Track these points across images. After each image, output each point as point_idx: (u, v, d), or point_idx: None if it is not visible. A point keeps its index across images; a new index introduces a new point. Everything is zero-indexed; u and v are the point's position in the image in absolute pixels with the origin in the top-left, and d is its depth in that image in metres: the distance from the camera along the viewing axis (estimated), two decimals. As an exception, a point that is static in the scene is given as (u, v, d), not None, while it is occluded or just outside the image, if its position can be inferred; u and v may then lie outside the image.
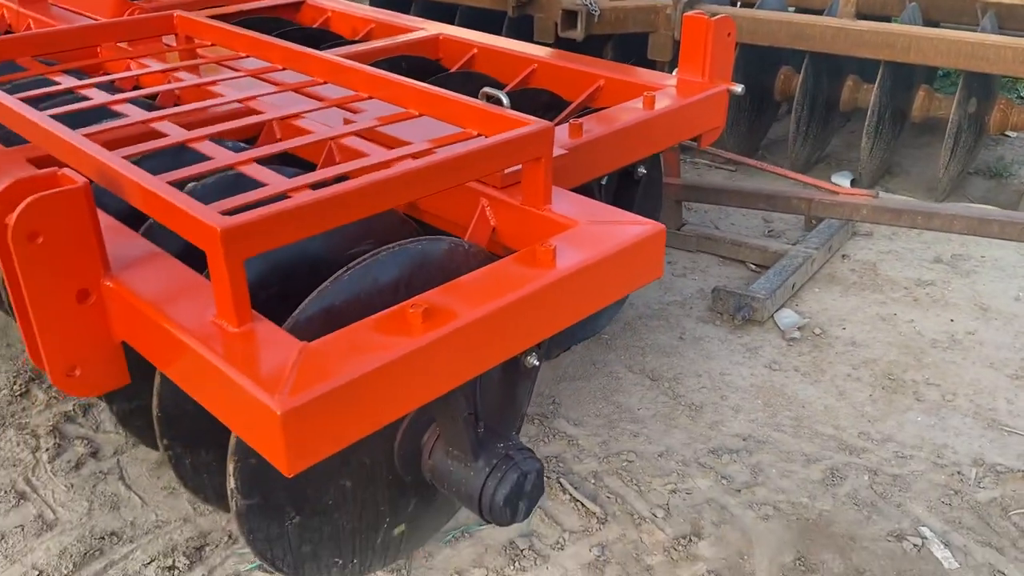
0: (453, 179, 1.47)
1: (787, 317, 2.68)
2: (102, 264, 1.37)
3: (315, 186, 1.44)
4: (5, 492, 2.03)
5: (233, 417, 1.22)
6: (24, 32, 2.28)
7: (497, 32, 4.13)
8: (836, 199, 2.82)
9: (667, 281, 2.92)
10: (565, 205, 1.64)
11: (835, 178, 3.77)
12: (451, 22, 4.25)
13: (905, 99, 3.53)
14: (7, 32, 3.40)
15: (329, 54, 2.18)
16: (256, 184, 1.50)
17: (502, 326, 1.33)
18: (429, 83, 2.54)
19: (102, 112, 1.90)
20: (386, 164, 1.60)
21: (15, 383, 2.41)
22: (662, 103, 2.24)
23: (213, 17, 3.23)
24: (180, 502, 2.01)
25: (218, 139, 1.77)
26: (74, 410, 2.31)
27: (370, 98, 1.93)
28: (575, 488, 2.01)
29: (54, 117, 1.66)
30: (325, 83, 2.04)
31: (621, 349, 2.55)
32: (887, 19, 3.65)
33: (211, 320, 1.26)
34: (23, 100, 1.76)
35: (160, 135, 1.75)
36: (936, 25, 3.59)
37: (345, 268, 1.45)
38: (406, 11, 4.45)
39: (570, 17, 3.51)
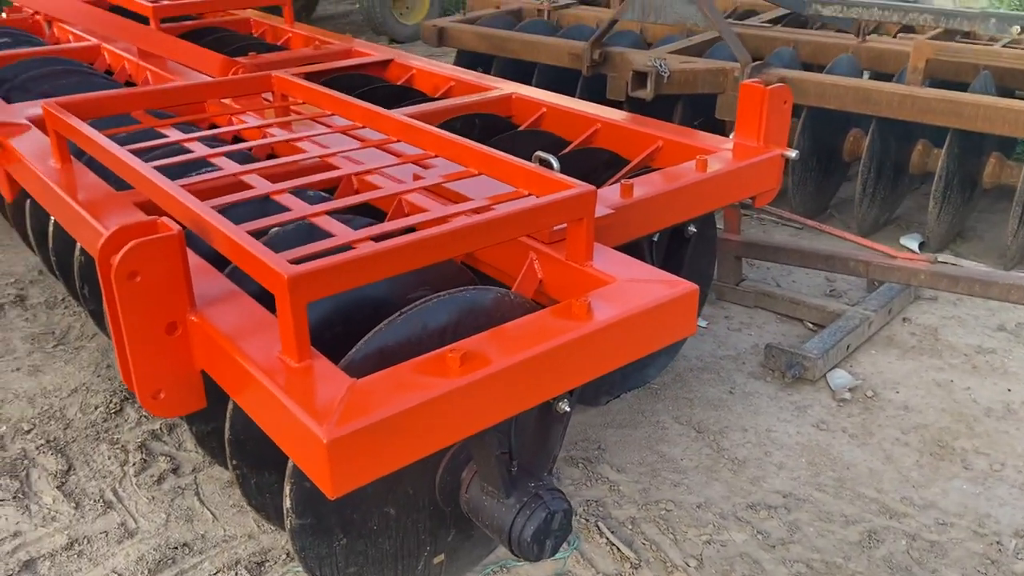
0: (501, 236, 1.61)
1: (839, 378, 2.70)
2: (189, 301, 1.56)
3: (379, 237, 1.61)
4: (94, 501, 2.25)
5: (289, 443, 1.38)
6: (142, 88, 2.56)
7: (572, 89, 4.33)
8: (894, 263, 2.84)
9: (722, 335, 2.99)
10: (606, 262, 1.76)
11: (904, 240, 3.76)
12: (530, 79, 4.47)
13: (976, 165, 3.52)
14: (128, 82, 3.79)
15: (403, 114, 2.37)
16: (327, 234, 1.69)
17: (535, 373, 1.45)
18: (501, 139, 2.75)
19: (202, 163, 2.15)
20: (444, 219, 1.76)
21: (111, 401, 2.66)
22: (715, 166, 2.34)
23: (312, 74, 3.53)
24: (246, 519, 2.18)
25: (301, 190, 1.97)
26: (160, 429, 2.53)
27: (437, 156, 2.11)
28: (612, 532, 2.09)
29: (159, 168, 1.90)
30: (399, 141, 2.23)
31: (670, 400, 2.62)
32: (962, 85, 3.65)
33: (276, 356, 1.43)
34: (133, 151, 2.01)
35: (248, 187, 1.97)
36: (1010, 94, 3.57)
37: (398, 313, 1.60)
38: (488, 68, 4.70)
39: (640, 78, 3.65)
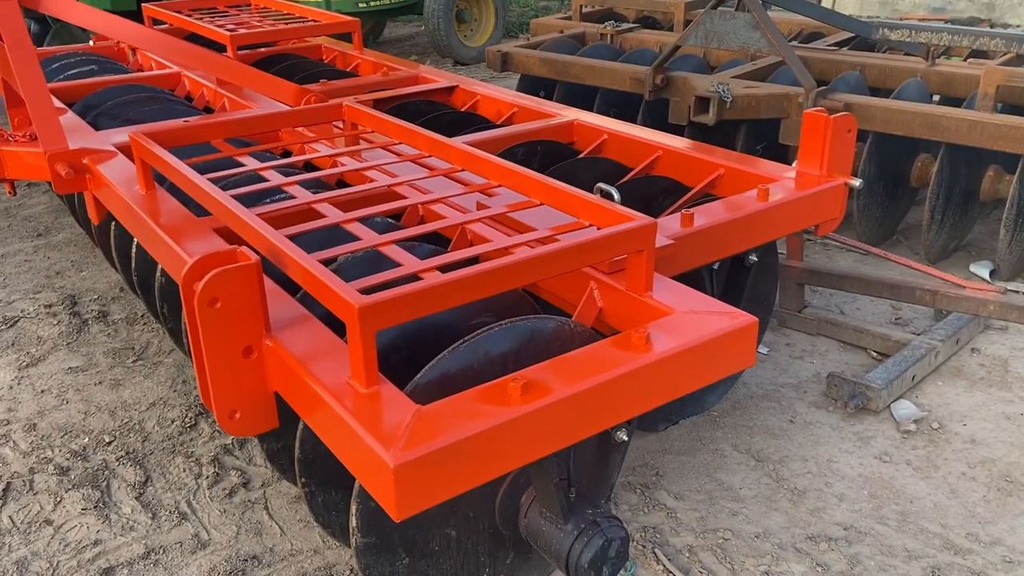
0: (564, 267, 1.66)
1: (904, 409, 2.66)
2: (265, 326, 1.64)
3: (444, 267, 1.68)
4: (170, 512, 2.36)
5: (356, 465, 1.44)
6: (220, 118, 2.70)
7: (635, 113, 4.36)
8: (961, 293, 2.79)
9: (784, 363, 2.97)
10: (665, 293, 1.79)
11: (974, 268, 3.67)
12: (591, 104, 4.51)
13: (1050, 191, 3.42)
14: (206, 108, 3.96)
15: (467, 141, 2.44)
16: (394, 263, 1.77)
17: (593, 403, 1.49)
18: (563, 166, 2.80)
19: (275, 191, 2.25)
20: (507, 249, 1.82)
21: (187, 416, 2.78)
22: (776, 195, 2.35)
23: (380, 100, 3.65)
24: (312, 534, 2.26)
25: (370, 218, 2.05)
26: (232, 444, 2.64)
27: (500, 186, 2.17)
28: (669, 560, 2.10)
29: (237, 196, 2.00)
30: (464, 170, 2.30)
31: (729, 427, 2.62)
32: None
33: (346, 381, 1.50)
34: (212, 180, 2.12)
35: (319, 215, 2.07)
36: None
37: (461, 341, 1.66)
38: (551, 92, 4.77)
39: (703, 103, 3.66)
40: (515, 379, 1.44)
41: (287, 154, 2.97)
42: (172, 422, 2.75)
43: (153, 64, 4.58)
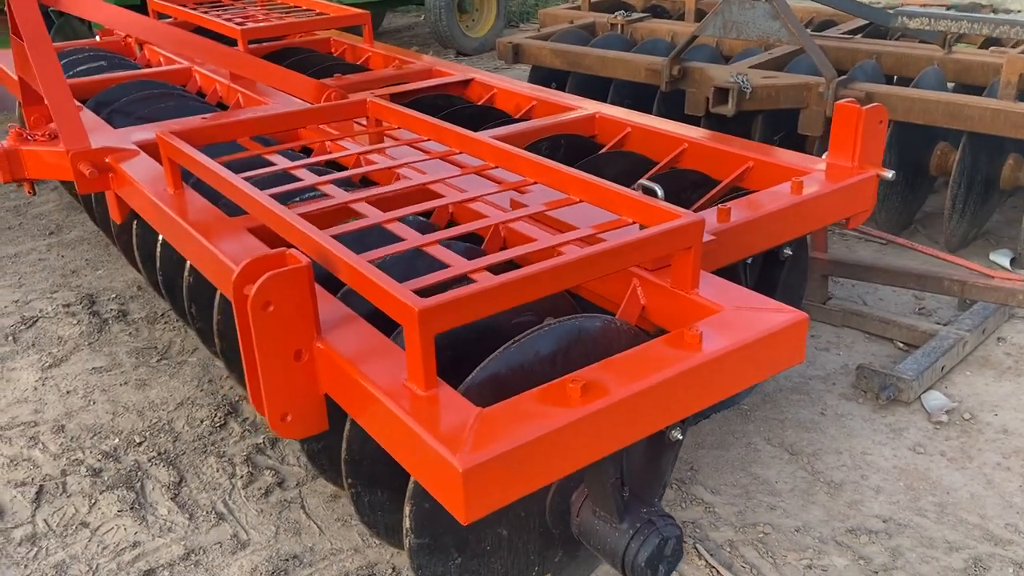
0: (615, 265, 1.65)
1: (935, 400, 2.67)
2: (316, 328, 1.64)
3: (492, 267, 1.67)
4: (207, 512, 2.35)
5: (418, 468, 1.43)
6: (244, 116, 2.67)
7: (649, 103, 4.34)
8: (990, 283, 2.79)
9: (810, 355, 2.97)
10: (712, 290, 1.78)
11: (994, 256, 3.68)
12: (605, 94, 4.49)
13: (1072, 179, 3.43)
14: (219, 104, 3.94)
15: (491, 136, 2.42)
16: (436, 262, 1.76)
17: (650, 403, 1.49)
18: (588, 160, 2.79)
19: (309, 190, 2.23)
20: (553, 249, 1.81)
21: (215, 415, 2.77)
22: (810, 188, 2.34)
23: (396, 95, 3.63)
24: (351, 533, 2.26)
25: (408, 217, 2.04)
26: (264, 443, 2.63)
27: (535, 183, 2.15)
28: (711, 555, 2.11)
29: (274, 196, 1.99)
30: (496, 167, 2.29)
31: (760, 421, 2.62)
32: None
33: (403, 383, 1.49)
34: (248, 179, 2.11)
35: (355, 213, 2.06)
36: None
37: (512, 341, 1.65)
38: (563, 83, 4.75)
39: (722, 94, 3.65)
40: (574, 380, 1.43)
41: (308, 151, 2.96)
42: (201, 422, 2.75)
43: (162, 59, 4.55)
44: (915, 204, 3.96)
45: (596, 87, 4.49)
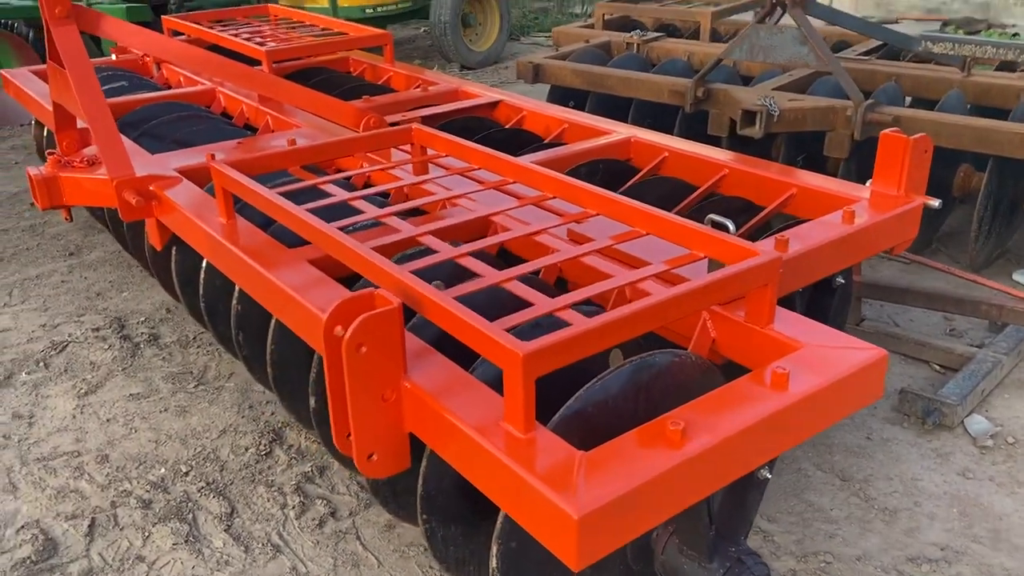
0: (703, 303, 1.67)
1: (978, 424, 2.70)
2: (403, 368, 1.64)
3: (575, 305, 1.68)
4: (262, 544, 2.34)
5: (521, 511, 1.43)
6: (297, 146, 2.67)
7: (669, 122, 4.37)
8: (1029, 307, 2.83)
9: (848, 378, 2.99)
10: (787, 325, 1.80)
11: (1017, 275, 3.73)
12: (624, 113, 4.52)
13: (1097, 201, 3.48)
14: (247, 125, 3.93)
15: (529, 161, 2.42)
16: (513, 297, 1.77)
17: (746, 443, 1.50)
18: (631, 187, 2.81)
19: (369, 221, 2.24)
20: (632, 286, 1.83)
21: (260, 443, 2.76)
22: (861, 218, 2.37)
23: (425, 118, 3.64)
24: (410, 564, 2.25)
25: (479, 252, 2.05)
26: (312, 471, 2.63)
27: (597, 215, 2.17)
28: (775, 584, 2.12)
29: (341, 229, 1.99)
30: (554, 197, 2.30)
31: (808, 446, 2.64)
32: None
33: (500, 424, 1.49)
34: (311, 211, 2.11)
35: (421, 246, 2.07)
36: None
37: (596, 379, 1.66)
38: (580, 102, 4.77)
39: (749, 116, 3.68)
40: (675, 422, 1.45)
41: (339, 172, 2.96)
42: (246, 450, 2.74)
43: (182, 79, 4.54)
44: (937, 224, 4.01)
45: (616, 106, 4.52)
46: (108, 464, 2.68)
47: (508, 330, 1.50)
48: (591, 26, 5.82)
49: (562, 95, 4.85)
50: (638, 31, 5.31)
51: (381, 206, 2.39)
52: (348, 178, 2.78)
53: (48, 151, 3.02)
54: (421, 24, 10.73)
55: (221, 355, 3.30)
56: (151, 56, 4.75)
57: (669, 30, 5.70)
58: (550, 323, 1.73)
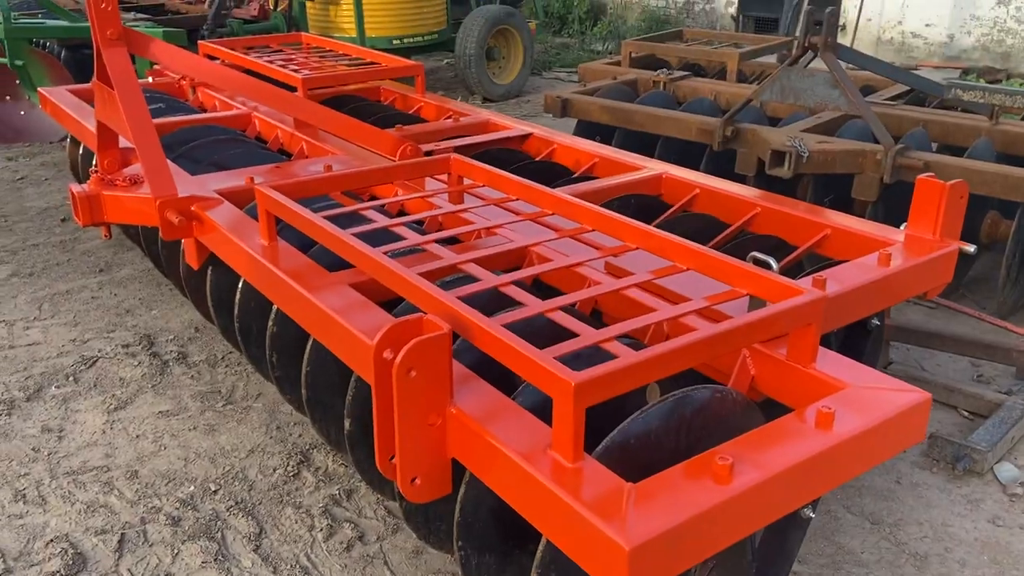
0: (748, 341, 1.69)
1: (1007, 471, 2.69)
2: (450, 393, 1.66)
3: (620, 337, 1.70)
4: (291, 566, 2.34)
5: (568, 541, 1.44)
6: (335, 172, 2.72)
7: (694, 160, 4.41)
8: (1061, 356, 2.83)
9: (876, 421, 2.98)
10: (829, 364, 1.81)
11: (1044, 324, 3.72)
12: (649, 148, 4.56)
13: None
14: (280, 150, 3.99)
15: (563, 194, 2.45)
16: (555, 326, 1.79)
17: (793, 482, 1.51)
18: (666, 222, 2.83)
19: (403, 241, 2.27)
20: (674, 320, 1.84)
21: (288, 464, 2.77)
22: (897, 261, 2.39)
23: (458, 148, 3.69)
24: (439, 593, 2.25)
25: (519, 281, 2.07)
26: (339, 494, 2.63)
27: (637, 249, 2.19)
28: (806, 626, 2.11)
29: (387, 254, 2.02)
30: (592, 230, 2.33)
31: (837, 488, 2.63)
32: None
33: (547, 452, 1.51)
34: (357, 236, 2.14)
35: (464, 273, 2.10)
36: None
37: (639, 412, 1.67)
38: (608, 139, 4.82)
39: (779, 157, 3.72)
40: (722, 457, 1.46)
41: (373, 199, 3.00)
42: (274, 470, 2.75)
43: (217, 103, 4.62)
44: (963, 269, 4.01)
45: (642, 142, 4.57)
46: (138, 480, 2.69)
47: (557, 358, 1.52)
48: (617, 63, 5.90)
49: (588, 129, 4.91)
50: (664, 69, 5.38)
51: (417, 233, 2.43)
52: (382, 205, 2.82)
53: (91, 169, 3.07)
54: (444, 56, 10.87)
55: (249, 375, 3.32)
56: (193, 79, 4.83)
57: (695, 69, 5.78)
58: (588, 354, 1.75)
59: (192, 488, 2.66)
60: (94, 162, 4.19)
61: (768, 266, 1.96)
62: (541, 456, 1.51)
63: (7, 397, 3.16)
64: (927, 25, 10.15)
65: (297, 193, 2.50)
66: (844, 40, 10.83)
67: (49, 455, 2.81)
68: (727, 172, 4.03)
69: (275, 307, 2.57)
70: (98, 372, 3.36)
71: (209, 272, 3.02)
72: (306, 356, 2.43)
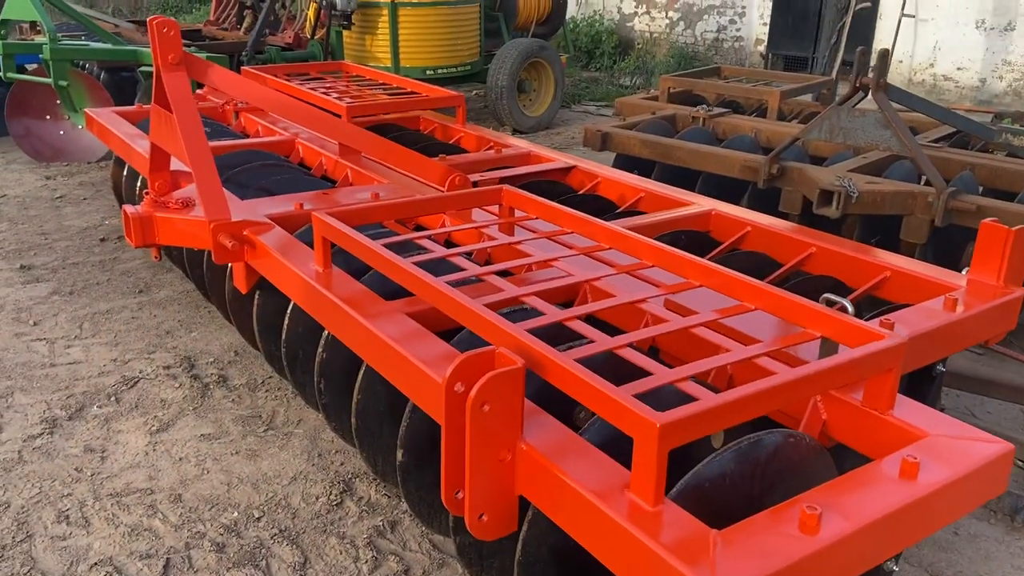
0: (830, 386, 1.65)
1: (1069, 525, 2.61)
2: (521, 429, 1.63)
3: (694, 377, 1.67)
4: (337, 598, 2.30)
5: (648, 586, 1.40)
6: (386, 201, 2.72)
7: (734, 196, 4.39)
8: (1125, 408, 2.76)
9: (929, 468, 2.92)
10: (908, 412, 1.77)
11: (1096, 373, 3.64)
12: (690, 186, 4.54)
13: None
14: (324, 177, 4.01)
15: (652, 239, 2.43)
16: (630, 366, 1.76)
17: (880, 534, 1.46)
18: (720, 260, 2.80)
19: (471, 279, 2.25)
20: (749, 362, 1.81)
21: (331, 493, 2.74)
22: (962, 306, 2.34)
23: (503, 179, 3.69)
24: (488, 632, 2.19)
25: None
26: (383, 525, 2.59)
27: (700, 286, 2.16)
28: None
29: (448, 283, 2.00)
30: (653, 266, 2.30)
31: (893, 536, 2.57)
32: None
33: (625, 493, 1.47)
34: (418, 265, 2.12)
35: (523, 305, 2.08)
36: None
37: (713, 455, 1.63)
38: (645, 173, 4.81)
39: (827, 196, 3.69)
40: (811, 507, 1.41)
41: (418, 229, 2.99)
42: (317, 499, 2.71)
43: (260, 129, 4.66)
44: (1011, 315, 3.94)
45: (681, 177, 4.55)
46: (181, 504, 2.66)
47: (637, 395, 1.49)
48: (655, 98, 5.91)
49: (627, 163, 4.90)
50: (704, 106, 5.38)
51: (473, 264, 2.40)
52: (433, 235, 2.81)
53: (145, 192, 3.09)
54: (473, 87, 10.96)
55: (289, 401, 3.30)
56: (236, 104, 4.88)
57: (732, 106, 5.78)
58: (665, 394, 1.71)
59: (236, 514, 2.63)
60: (138, 184, 4.23)
61: (843, 308, 1.93)
62: (619, 497, 1.47)
63: (49, 416, 3.15)
64: (959, 69, 10.15)
65: (352, 220, 2.49)
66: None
67: (92, 476, 2.80)
68: (769, 210, 4.01)
69: (325, 333, 2.55)
70: (139, 393, 3.35)
71: (256, 296, 3.02)
72: (357, 384, 2.40)
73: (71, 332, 3.87)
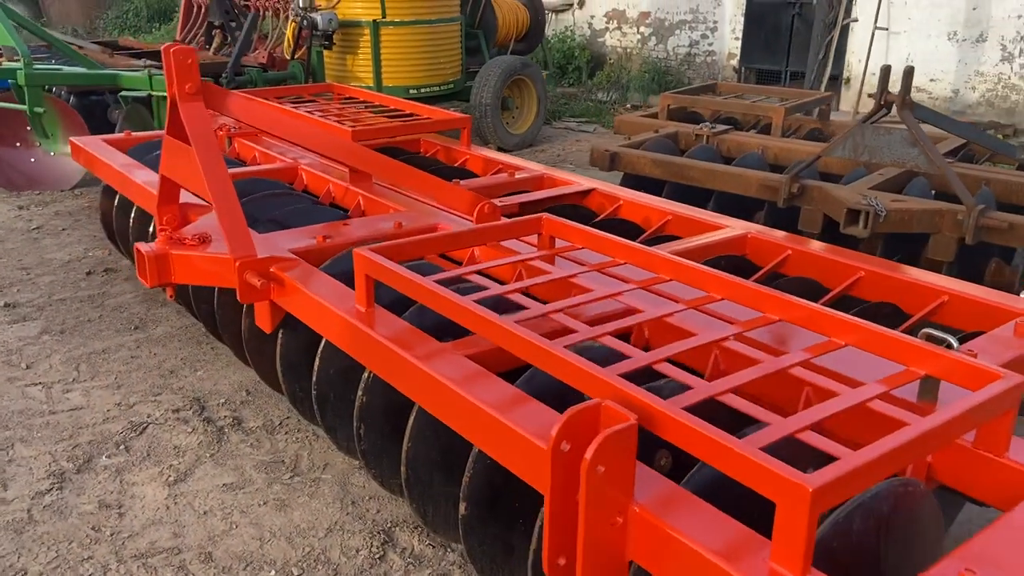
0: (963, 432, 1.54)
1: None
2: (633, 490, 1.50)
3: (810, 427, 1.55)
4: (396, 664, 2.14)
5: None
6: (431, 235, 2.57)
7: (746, 215, 4.32)
8: None
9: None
10: (1021, 454, 1.68)
11: None
12: (705, 203, 4.47)
13: None
14: (333, 204, 3.85)
15: (719, 271, 2.31)
16: (735, 412, 1.64)
17: (1039, 594, 1.36)
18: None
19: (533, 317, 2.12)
20: (862, 406, 1.70)
21: (371, 545, 2.57)
22: (1029, 332, 2.27)
23: (523, 204, 3.57)
24: None
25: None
26: (432, 581, 2.44)
27: (779, 320, 2.05)
28: None
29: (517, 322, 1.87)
30: (722, 299, 2.19)
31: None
32: None
33: (769, 565, 1.35)
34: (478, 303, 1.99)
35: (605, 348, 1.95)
36: None
37: (840, 510, 1.52)
38: (658, 192, 4.73)
39: (853, 215, 3.63)
40: (970, 570, 1.30)
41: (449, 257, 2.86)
42: (358, 552, 2.55)
43: (257, 155, 4.49)
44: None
45: (692, 196, 4.47)
46: (213, 563, 2.48)
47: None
48: (654, 115, 5.85)
49: (635, 183, 4.81)
50: (707, 123, 5.33)
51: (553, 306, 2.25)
52: (478, 269, 2.68)
53: (159, 228, 2.92)
54: (456, 106, 10.85)
55: (311, 443, 3.13)
56: (230, 131, 4.70)
57: (730, 121, 5.73)
58: (785, 448, 1.60)
59: (272, 572, 2.45)
60: (132, 215, 4.01)
61: (949, 345, 1.83)
62: (761, 567, 1.34)
63: (56, 469, 2.94)
64: (932, 80, 10.28)
65: (394, 255, 2.35)
66: (850, 93, 10.95)
67: (112, 535, 2.60)
68: (787, 229, 3.94)
69: (366, 375, 2.40)
70: (150, 440, 3.15)
71: (280, 335, 2.84)
72: (408, 431, 2.25)
73: (68, 375, 3.65)
